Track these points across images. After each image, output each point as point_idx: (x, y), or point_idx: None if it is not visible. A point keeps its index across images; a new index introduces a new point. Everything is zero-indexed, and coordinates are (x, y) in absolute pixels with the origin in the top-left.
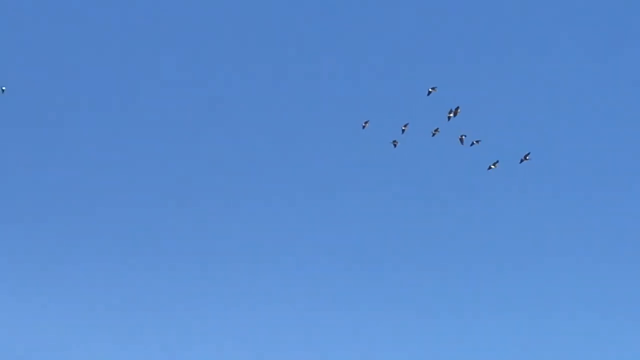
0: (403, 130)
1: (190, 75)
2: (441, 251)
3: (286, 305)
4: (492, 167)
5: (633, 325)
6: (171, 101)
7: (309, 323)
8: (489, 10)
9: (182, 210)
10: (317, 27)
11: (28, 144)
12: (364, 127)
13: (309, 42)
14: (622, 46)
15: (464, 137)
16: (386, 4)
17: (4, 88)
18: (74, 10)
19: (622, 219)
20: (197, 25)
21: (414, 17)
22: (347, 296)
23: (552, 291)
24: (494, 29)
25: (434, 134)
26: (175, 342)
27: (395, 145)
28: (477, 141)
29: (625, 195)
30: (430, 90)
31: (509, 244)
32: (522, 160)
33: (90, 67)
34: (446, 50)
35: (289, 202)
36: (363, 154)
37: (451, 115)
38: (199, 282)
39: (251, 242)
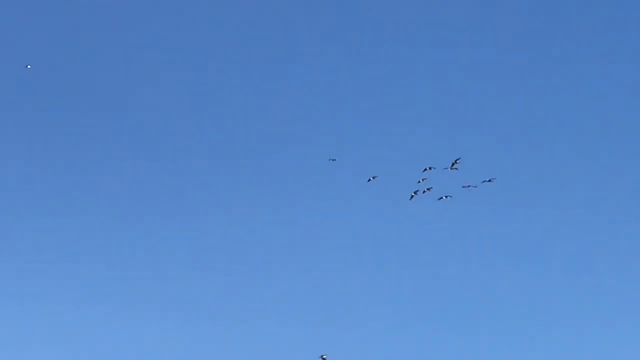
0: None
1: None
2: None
3: (283, 306)
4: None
5: (633, 326)
6: (166, 98)
7: (308, 324)
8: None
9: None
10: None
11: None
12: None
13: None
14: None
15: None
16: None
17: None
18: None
19: (621, 219)
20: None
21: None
22: (344, 296)
23: (545, 292)
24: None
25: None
26: (174, 343)
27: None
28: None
29: (624, 196)
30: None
31: (506, 246)
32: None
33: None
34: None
35: (286, 203)
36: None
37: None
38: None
39: (249, 244)
